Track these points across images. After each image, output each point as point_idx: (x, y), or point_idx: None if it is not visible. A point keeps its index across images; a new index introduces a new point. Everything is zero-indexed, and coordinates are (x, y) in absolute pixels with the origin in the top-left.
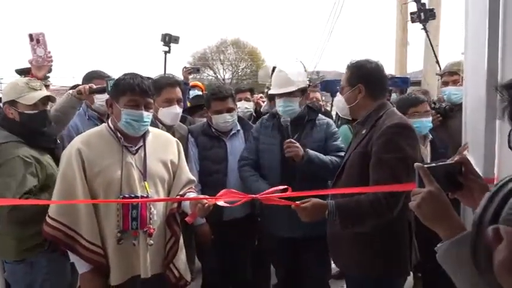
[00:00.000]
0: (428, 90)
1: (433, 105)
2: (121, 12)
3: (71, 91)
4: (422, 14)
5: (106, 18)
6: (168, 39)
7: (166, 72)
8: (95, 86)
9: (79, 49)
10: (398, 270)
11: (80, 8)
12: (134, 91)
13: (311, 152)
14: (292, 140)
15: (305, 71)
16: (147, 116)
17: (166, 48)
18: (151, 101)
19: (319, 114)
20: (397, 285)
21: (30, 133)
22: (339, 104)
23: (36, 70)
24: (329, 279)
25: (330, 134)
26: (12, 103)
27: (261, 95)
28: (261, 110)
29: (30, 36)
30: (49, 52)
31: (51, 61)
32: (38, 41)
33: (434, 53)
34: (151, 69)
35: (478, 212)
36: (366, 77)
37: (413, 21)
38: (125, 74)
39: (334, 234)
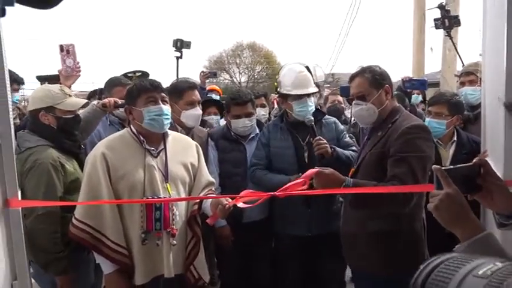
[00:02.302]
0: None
1: None
2: (137, 18)
3: (95, 102)
4: (446, 20)
5: (122, 25)
6: (180, 45)
7: (179, 77)
8: (120, 101)
9: (97, 55)
10: (416, 266)
11: (96, 15)
12: (148, 89)
13: (338, 149)
14: (320, 137)
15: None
16: (167, 109)
17: (178, 54)
18: (165, 95)
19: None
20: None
21: (62, 137)
22: (362, 113)
23: (65, 79)
24: (344, 275)
25: (339, 132)
26: (50, 109)
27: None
28: (270, 114)
29: (61, 46)
30: (78, 63)
31: (80, 71)
32: (67, 52)
33: (461, 58)
34: (165, 75)
35: (415, 274)
36: (386, 78)
37: (437, 27)
38: (132, 81)
39: (349, 232)
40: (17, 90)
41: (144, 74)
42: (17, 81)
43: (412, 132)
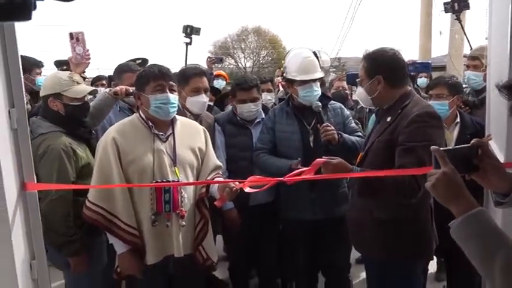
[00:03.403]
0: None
1: (464, 98)
2: (142, 3)
3: (107, 90)
4: (456, 4)
5: (128, 10)
6: (190, 31)
7: (188, 63)
8: (131, 89)
9: (102, 41)
10: (422, 253)
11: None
12: (157, 76)
13: (345, 135)
14: (328, 123)
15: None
16: (174, 98)
17: (188, 40)
18: (174, 83)
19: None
20: (420, 267)
21: (71, 123)
22: (360, 96)
23: (75, 67)
24: (349, 258)
25: (345, 117)
26: (58, 96)
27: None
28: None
29: (71, 34)
30: (87, 50)
31: (89, 58)
32: (77, 39)
33: (469, 42)
34: (172, 61)
35: None
36: (383, 68)
37: (446, 11)
38: (141, 67)
39: (356, 219)
40: (39, 74)
41: (145, 61)
42: (37, 65)
43: (421, 120)
